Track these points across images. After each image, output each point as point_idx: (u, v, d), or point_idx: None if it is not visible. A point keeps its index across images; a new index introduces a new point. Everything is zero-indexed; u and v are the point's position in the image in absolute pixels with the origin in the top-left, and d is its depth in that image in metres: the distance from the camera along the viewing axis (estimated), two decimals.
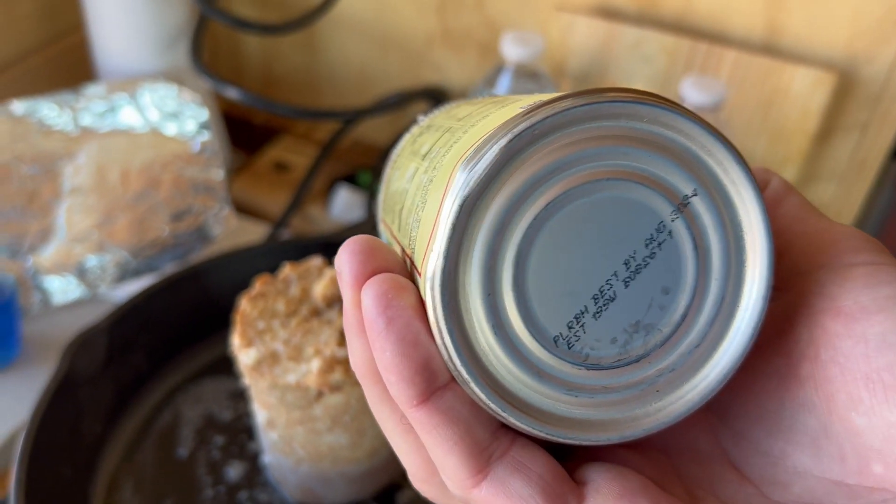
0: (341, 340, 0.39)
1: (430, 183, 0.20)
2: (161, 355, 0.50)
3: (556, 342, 0.18)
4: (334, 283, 0.41)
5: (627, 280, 0.18)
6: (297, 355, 0.38)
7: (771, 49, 0.61)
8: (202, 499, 0.45)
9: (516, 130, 0.17)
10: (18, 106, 0.60)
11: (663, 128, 0.18)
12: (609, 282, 0.18)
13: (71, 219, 0.62)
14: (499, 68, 0.59)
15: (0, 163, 0.59)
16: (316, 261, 0.44)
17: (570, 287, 0.18)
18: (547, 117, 0.17)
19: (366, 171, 0.77)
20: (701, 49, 0.61)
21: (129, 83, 0.64)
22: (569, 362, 0.19)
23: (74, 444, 0.44)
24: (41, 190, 0.61)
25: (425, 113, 0.28)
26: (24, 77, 0.71)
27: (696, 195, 0.18)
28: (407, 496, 0.46)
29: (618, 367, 0.19)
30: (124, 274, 0.65)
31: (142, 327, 0.49)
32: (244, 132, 0.84)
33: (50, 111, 0.61)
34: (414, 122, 0.28)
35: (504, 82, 0.59)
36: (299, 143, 0.80)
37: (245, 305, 0.41)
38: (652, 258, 0.18)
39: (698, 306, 0.19)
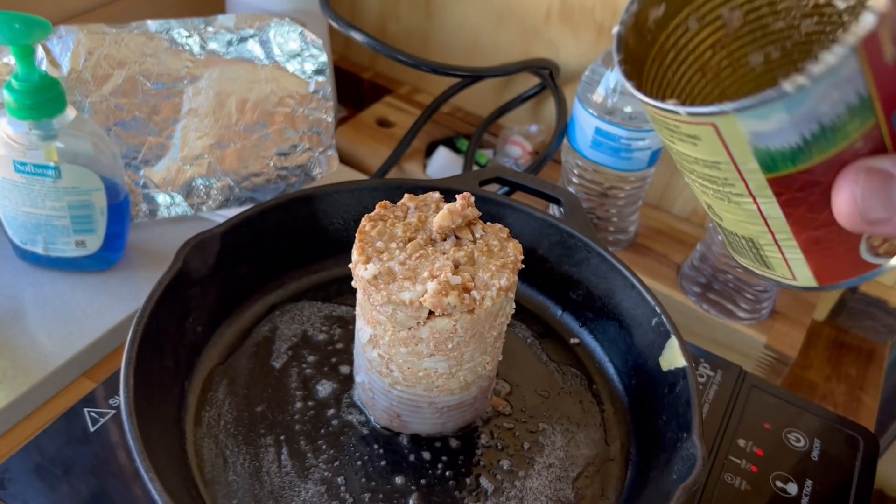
0: (455, 269, 0.40)
1: None
2: (265, 270, 0.52)
3: None
4: (451, 216, 0.42)
5: None
6: (413, 276, 0.40)
7: None
8: (292, 410, 0.46)
9: None
10: (152, 24, 0.63)
11: None
12: None
13: (185, 138, 0.65)
14: None
15: (129, 74, 0.62)
16: (434, 195, 0.45)
17: None
18: None
19: (463, 139, 0.78)
20: None
21: (258, 18, 0.66)
22: None
23: (179, 339, 0.46)
24: (162, 107, 0.64)
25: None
26: (162, 2, 0.74)
27: None
28: (486, 438, 0.47)
29: None
30: (227, 200, 0.67)
31: (252, 240, 0.50)
32: (351, 89, 0.86)
33: (180, 33, 0.64)
34: None
35: None
36: (403, 103, 0.82)
37: (365, 224, 0.42)
38: None
39: None
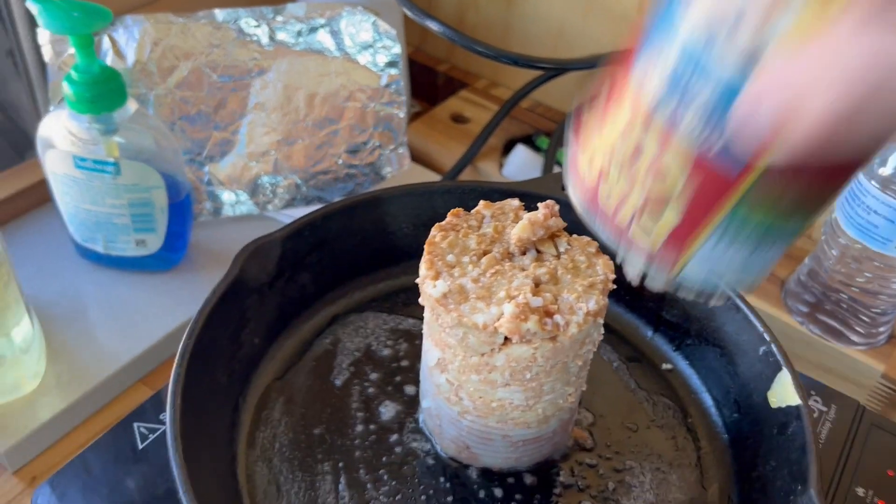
0: (536, 288, 0.35)
1: None
2: (328, 279, 0.48)
3: None
4: (532, 227, 0.37)
5: None
6: (488, 295, 0.35)
7: None
8: (352, 434, 0.42)
9: None
10: (220, 13, 0.60)
11: None
12: None
13: (251, 134, 0.62)
14: None
15: (195, 66, 0.59)
16: (513, 202, 0.40)
17: None
18: None
19: (544, 136, 0.72)
20: None
21: (329, 7, 0.62)
22: None
23: (234, 352, 0.43)
24: (228, 100, 0.61)
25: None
26: None
27: None
28: (565, 475, 0.42)
29: None
30: (293, 199, 0.64)
31: (314, 246, 0.47)
32: (426, 82, 0.81)
33: (248, 22, 0.60)
34: None
35: None
36: (479, 97, 0.77)
37: (436, 235, 0.38)
38: None
39: None
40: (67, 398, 0.49)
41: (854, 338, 0.55)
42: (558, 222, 0.38)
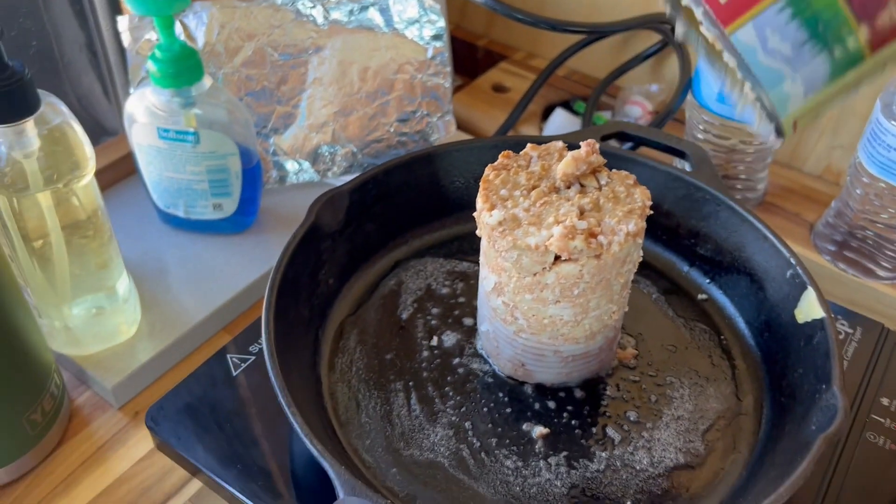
0: (581, 215, 0.40)
1: None
2: (391, 227, 0.54)
3: None
4: (576, 162, 0.42)
5: None
6: (538, 222, 0.40)
7: None
8: (419, 358, 0.47)
9: None
10: None
11: None
12: None
13: (311, 107, 0.67)
14: None
15: (258, 46, 0.65)
16: (557, 144, 0.45)
17: None
18: None
19: (581, 101, 0.77)
20: None
21: None
22: None
23: (312, 290, 0.48)
24: (289, 76, 0.66)
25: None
26: None
27: None
28: (611, 390, 0.46)
29: None
30: (351, 166, 0.69)
31: (378, 198, 0.52)
32: (466, 57, 0.86)
33: (305, 4, 0.66)
34: None
35: None
36: (518, 68, 0.81)
37: (489, 173, 0.42)
38: None
39: None
40: (161, 343, 0.55)
41: (880, 272, 0.59)
42: (599, 159, 0.43)
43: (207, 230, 0.63)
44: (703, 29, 0.28)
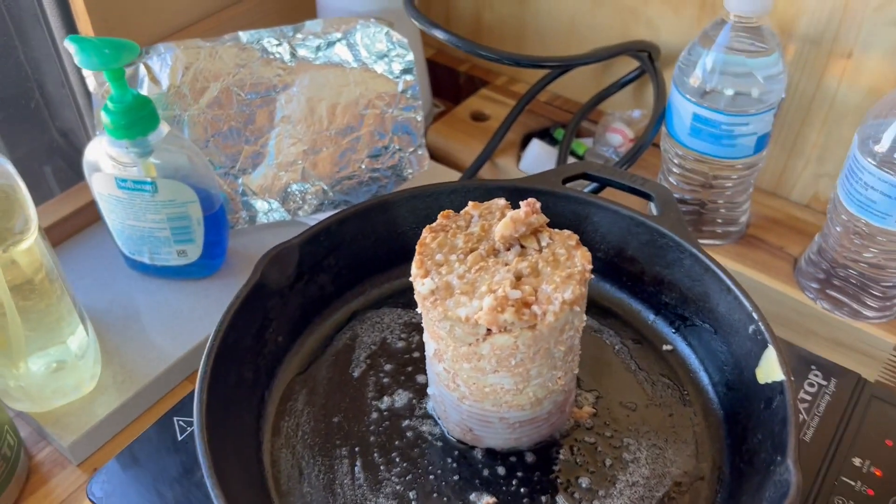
0: (515, 283, 0.38)
1: None
2: (346, 279, 0.52)
3: None
4: (514, 224, 0.40)
5: None
6: (471, 290, 0.38)
7: None
8: (367, 421, 0.46)
9: None
10: (244, 35, 0.64)
11: None
12: None
13: (280, 146, 0.66)
14: (719, 23, 0.55)
15: (224, 86, 0.64)
16: (499, 201, 0.43)
17: None
18: None
19: (561, 128, 0.75)
20: None
21: (344, 21, 0.66)
22: None
23: (258, 350, 0.47)
24: (256, 116, 0.65)
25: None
26: (254, 10, 0.76)
27: None
28: (565, 453, 0.45)
29: None
30: (321, 204, 0.68)
31: (331, 249, 0.51)
32: (448, 82, 0.85)
33: (270, 42, 0.65)
34: None
35: (723, 38, 0.55)
36: (499, 94, 0.80)
37: (426, 236, 0.41)
38: None
39: None
40: (122, 396, 0.55)
41: (866, 312, 0.56)
42: (540, 218, 0.41)
43: (175, 275, 0.63)
44: None
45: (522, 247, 0.41)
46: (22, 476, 0.51)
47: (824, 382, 0.49)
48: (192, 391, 0.49)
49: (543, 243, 0.40)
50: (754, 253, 0.62)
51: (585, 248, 0.40)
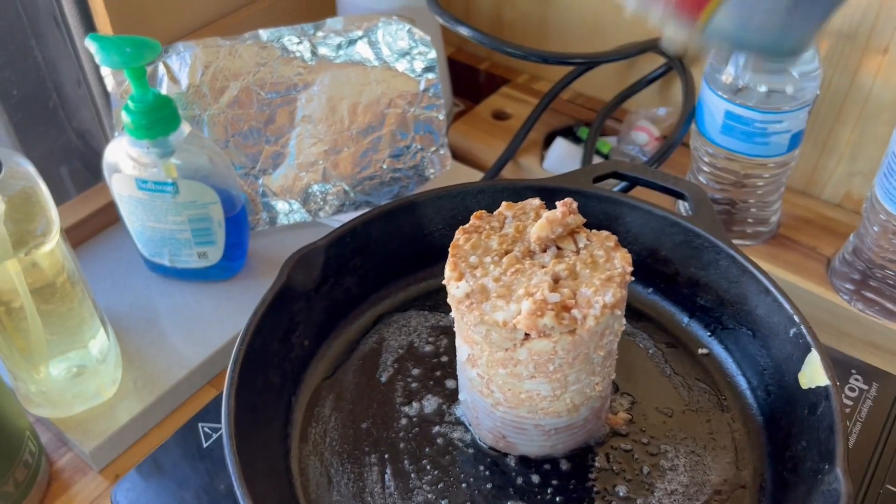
0: (554, 285, 0.37)
1: None
2: (372, 281, 0.51)
3: None
4: (551, 225, 0.39)
5: None
6: (508, 294, 0.37)
7: None
8: (396, 427, 0.45)
9: None
10: (264, 34, 0.63)
11: None
12: None
13: (300, 146, 0.65)
14: None
15: (244, 85, 0.63)
16: (534, 202, 0.42)
17: None
18: None
19: (584, 127, 0.73)
20: None
21: (366, 19, 0.65)
22: None
23: (284, 354, 0.46)
24: (277, 115, 0.64)
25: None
26: (274, 8, 0.75)
27: None
28: (600, 461, 0.43)
29: None
30: (343, 204, 0.67)
31: (357, 251, 0.50)
32: (468, 80, 0.83)
33: (291, 40, 0.64)
34: None
35: None
36: (520, 93, 0.78)
37: (459, 237, 0.40)
38: None
39: None
40: (143, 402, 0.54)
41: None
42: (577, 219, 0.40)
43: (195, 278, 0.62)
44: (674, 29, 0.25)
45: (559, 248, 0.39)
46: (43, 482, 0.50)
47: (865, 387, 0.47)
48: (216, 396, 0.48)
49: (581, 245, 0.39)
50: (786, 254, 0.61)
51: (625, 250, 0.39)
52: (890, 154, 0.51)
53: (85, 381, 0.52)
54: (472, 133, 0.74)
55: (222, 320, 0.60)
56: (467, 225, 0.41)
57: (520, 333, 0.36)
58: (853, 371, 0.48)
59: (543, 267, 0.38)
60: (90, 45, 0.50)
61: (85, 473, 0.52)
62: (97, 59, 0.50)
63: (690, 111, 0.62)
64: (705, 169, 0.60)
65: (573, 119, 0.74)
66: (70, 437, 0.52)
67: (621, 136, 0.71)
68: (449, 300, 0.39)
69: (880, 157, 0.60)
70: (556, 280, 0.37)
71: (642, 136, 0.69)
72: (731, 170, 0.58)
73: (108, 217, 0.68)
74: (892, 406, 0.46)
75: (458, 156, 0.73)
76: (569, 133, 0.73)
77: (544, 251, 0.39)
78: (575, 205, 0.39)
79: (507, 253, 0.39)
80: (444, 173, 0.67)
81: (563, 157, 0.68)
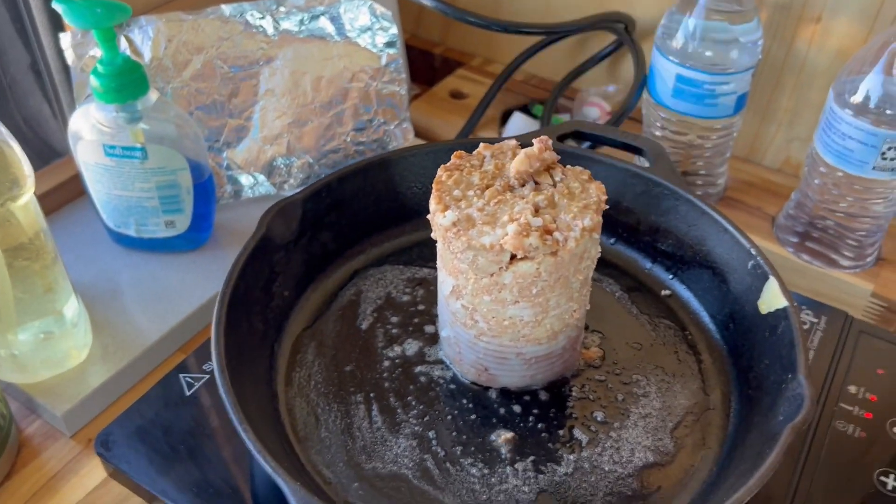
0: (536, 212, 0.39)
1: None
2: (348, 237, 0.52)
3: None
4: (529, 159, 0.41)
5: None
6: (493, 221, 0.39)
7: None
8: (380, 369, 0.46)
9: None
10: (227, 8, 0.64)
11: None
12: None
13: (264, 119, 0.66)
14: None
15: (207, 59, 0.63)
16: (510, 142, 0.44)
17: None
18: None
19: (538, 105, 0.76)
20: None
21: None
22: None
23: (266, 302, 0.47)
24: (240, 89, 0.65)
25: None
26: None
27: None
28: (577, 391, 0.45)
29: None
30: (307, 177, 0.68)
31: (332, 206, 0.51)
32: (423, 65, 0.86)
33: (253, 15, 0.65)
34: None
35: (701, 3, 0.57)
36: (476, 74, 0.81)
37: (442, 174, 0.42)
38: None
39: None
40: (114, 367, 0.53)
41: (843, 262, 0.59)
42: (552, 155, 0.42)
43: (160, 248, 0.62)
44: None
45: (536, 183, 0.41)
46: (14, 449, 0.49)
47: (815, 320, 0.51)
48: (195, 349, 0.48)
49: (557, 178, 0.41)
50: (733, 213, 0.64)
51: (599, 182, 0.41)
52: (827, 110, 0.55)
53: (54, 345, 0.51)
54: (431, 111, 0.76)
55: (189, 290, 0.59)
56: (448, 163, 0.42)
57: (506, 256, 0.38)
58: (803, 307, 0.52)
59: (524, 198, 0.40)
60: (58, 6, 0.50)
61: (56, 439, 0.51)
62: (66, 20, 0.50)
63: (642, 82, 0.66)
64: (658, 134, 0.63)
65: (527, 98, 0.77)
66: (41, 402, 0.51)
67: (574, 113, 0.74)
68: (434, 233, 0.41)
69: (816, 121, 0.65)
70: (537, 209, 0.40)
71: (594, 111, 0.72)
72: (682, 132, 0.62)
73: (64, 196, 0.67)
74: (839, 336, 0.50)
75: (419, 133, 0.74)
76: (524, 111, 0.75)
77: (523, 185, 0.41)
78: (550, 142, 0.42)
79: (488, 187, 0.41)
80: (408, 145, 0.69)
81: (521, 130, 0.71)
